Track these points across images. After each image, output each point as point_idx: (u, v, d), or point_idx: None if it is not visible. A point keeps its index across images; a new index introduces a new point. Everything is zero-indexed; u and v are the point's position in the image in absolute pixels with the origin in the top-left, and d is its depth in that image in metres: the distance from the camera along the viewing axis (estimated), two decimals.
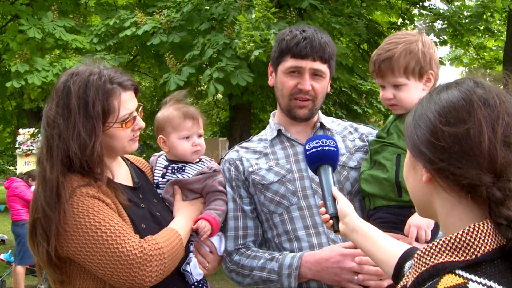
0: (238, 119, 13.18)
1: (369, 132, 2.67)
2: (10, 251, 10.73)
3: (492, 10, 10.88)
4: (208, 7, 8.91)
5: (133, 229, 2.19)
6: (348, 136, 2.64)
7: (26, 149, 18.39)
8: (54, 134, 2.16)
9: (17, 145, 17.57)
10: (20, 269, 9.25)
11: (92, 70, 2.25)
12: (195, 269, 2.41)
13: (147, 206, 2.37)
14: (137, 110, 2.34)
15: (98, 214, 2.09)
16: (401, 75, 2.30)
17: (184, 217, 2.41)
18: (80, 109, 2.16)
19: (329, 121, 2.70)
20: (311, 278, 2.32)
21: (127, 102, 2.26)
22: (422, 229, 2.14)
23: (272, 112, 2.78)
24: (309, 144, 2.11)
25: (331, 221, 1.94)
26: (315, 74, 2.47)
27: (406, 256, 1.60)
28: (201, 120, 2.57)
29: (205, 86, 9.22)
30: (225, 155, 2.71)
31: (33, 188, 9.67)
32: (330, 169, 2.07)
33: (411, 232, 2.15)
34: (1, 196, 23.93)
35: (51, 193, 2.10)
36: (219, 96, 18.63)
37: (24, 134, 17.36)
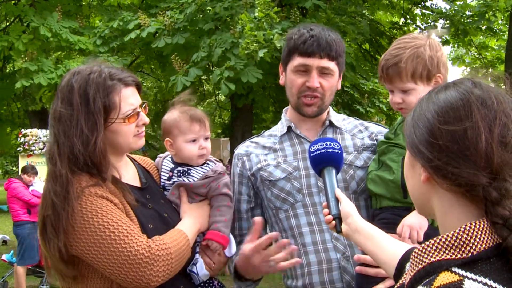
0: (240, 119, 13.20)
1: (380, 131, 2.68)
2: (12, 251, 10.74)
3: (494, 9, 10.87)
4: (211, 8, 8.87)
5: (141, 229, 2.20)
6: (357, 134, 2.66)
7: (28, 149, 18.42)
8: (60, 131, 2.20)
9: (26, 146, 17.64)
10: (20, 270, 9.27)
11: (93, 68, 2.27)
12: (202, 270, 2.42)
13: (154, 207, 2.38)
14: (141, 106, 2.35)
15: (106, 213, 2.10)
16: (409, 80, 2.31)
17: (191, 219, 2.42)
18: (81, 106, 2.18)
19: (339, 119, 2.71)
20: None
21: (129, 98, 2.28)
22: (414, 230, 2.15)
23: (285, 109, 2.80)
24: (313, 147, 2.12)
25: (333, 221, 1.96)
26: (323, 71, 2.49)
27: (407, 256, 1.60)
28: (208, 123, 2.57)
29: (207, 87, 9.14)
30: (236, 149, 2.76)
31: (34, 185, 9.69)
32: (334, 171, 2.08)
33: (404, 232, 2.16)
34: (3, 197, 23.97)
35: (61, 189, 2.11)
36: (222, 97, 18.65)
37: (26, 135, 17.38)
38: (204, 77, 10.20)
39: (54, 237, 2.10)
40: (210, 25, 8.83)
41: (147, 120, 2.37)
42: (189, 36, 8.93)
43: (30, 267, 9.63)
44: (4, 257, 10.73)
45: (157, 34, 8.89)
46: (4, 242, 14.88)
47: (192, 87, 9.39)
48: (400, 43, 2.38)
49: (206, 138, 2.56)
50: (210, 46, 8.30)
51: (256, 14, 7.33)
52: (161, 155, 2.71)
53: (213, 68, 8.99)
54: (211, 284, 2.49)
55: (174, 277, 2.23)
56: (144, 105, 2.38)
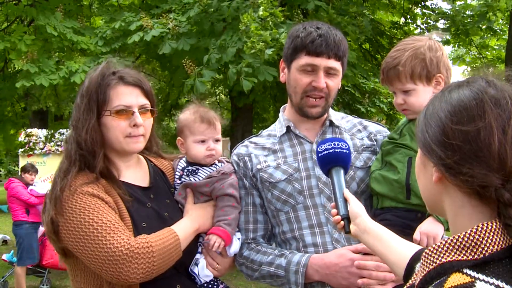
0: (240, 119, 13.16)
1: (378, 130, 2.67)
2: (12, 251, 10.73)
3: (495, 10, 10.86)
4: (213, 9, 8.76)
5: (133, 227, 2.28)
6: (356, 134, 2.65)
7: (34, 148, 18.52)
8: (70, 124, 2.39)
9: (31, 146, 17.73)
10: (19, 270, 9.27)
11: (104, 66, 2.42)
12: (203, 271, 2.43)
13: (154, 206, 2.43)
14: (141, 108, 2.40)
15: (93, 211, 2.20)
16: (408, 81, 2.35)
17: (189, 219, 2.45)
18: (84, 98, 2.35)
19: (338, 118, 2.70)
20: (318, 280, 2.35)
21: (124, 95, 2.36)
22: (431, 237, 2.15)
23: (282, 107, 2.78)
24: (321, 146, 2.12)
25: (342, 222, 1.96)
26: (329, 71, 2.47)
27: (417, 257, 1.60)
28: (219, 125, 2.59)
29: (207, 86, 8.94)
30: (234, 149, 2.74)
31: (36, 185, 9.67)
32: (342, 171, 2.09)
33: (422, 241, 2.16)
34: (3, 197, 23.91)
35: (67, 166, 2.32)
36: (222, 96, 18.63)
37: (31, 134, 17.42)
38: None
39: (49, 208, 2.26)
40: (218, 27, 8.71)
41: (139, 121, 2.38)
42: (195, 40, 8.77)
43: (30, 267, 9.63)
44: (4, 256, 10.73)
45: (162, 38, 8.68)
46: (5, 242, 14.89)
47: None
48: (400, 45, 2.43)
49: (217, 140, 2.58)
50: (220, 47, 8.16)
51: (261, 13, 7.25)
52: (180, 155, 2.74)
53: (224, 69, 8.87)
54: (215, 286, 2.49)
55: (172, 275, 2.30)
56: (151, 110, 2.45)
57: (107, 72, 2.38)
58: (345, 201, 1.98)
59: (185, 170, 2.60)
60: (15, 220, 9.36)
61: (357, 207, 1.92)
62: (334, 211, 2.00)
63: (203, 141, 2.54)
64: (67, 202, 2.22)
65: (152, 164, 2.63)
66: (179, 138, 2.61)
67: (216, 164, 2.60)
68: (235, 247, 2.52)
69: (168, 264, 2.25)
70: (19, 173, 10.54)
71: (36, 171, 10.00)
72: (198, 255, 2.49)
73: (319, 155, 2.12)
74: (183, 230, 2.35)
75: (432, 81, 2.35)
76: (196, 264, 2.45)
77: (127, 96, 2.36)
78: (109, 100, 2.33)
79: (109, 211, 2.23)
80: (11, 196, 9.40)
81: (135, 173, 2.48)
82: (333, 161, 2.09)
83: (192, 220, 2.44)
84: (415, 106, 2.36)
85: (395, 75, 2.36)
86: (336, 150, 2.08)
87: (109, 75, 2.37)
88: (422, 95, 2.34)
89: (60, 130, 14.88)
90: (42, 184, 10.20)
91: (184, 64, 8.15)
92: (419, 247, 1.69)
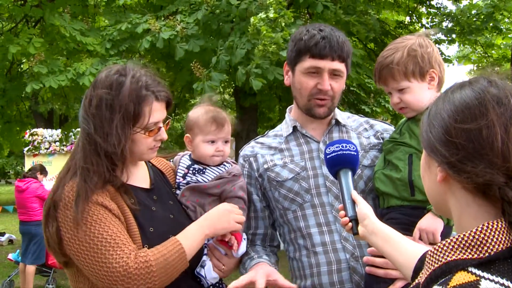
0: (245, 118, 13.16)
1: (385, 129, 2.68)
2: (18, 251, 10.78)
3: (502, 10, 10.84)
4: (219, 10, 8.73)
5: (140, 233, 2.22)
6: (363, 133, 2.66)
7: (38, 148, 18.57)
8: (89, 127, 2.23)
9: (35, 144, 17.73)
10: (31, 268, 9.31)
11: (132, 72, 2.30)
12: (210, 273, 2.41)
13: (159, 209, 2.38)
14: (164, 121, 2.38)
15: (95, 223, 2.14)
16: (402, 79, 2.37)
17: (197, 224, 2.36)
18: (113, 109, 2.21)
19: (345, 117, 2.71)
20: None
21: (157, 112, 2.30)
22: (430, 233, 2.17)
23: (289, 107, 2.78)
24: (329, 148, 2.12)
25: (350, 223, 1.96)
26: (334, 73, 2.47)
27: (425, 258, 1.60)
28: (229, 126, 2.57)
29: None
30: (241, 150, 2.75)
31: (45, 183, 9.72)
32: (350, 172, 2.09)
33: (423, 238, 2.18)
34: (9, 197, 24.01)
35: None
36: (226, 96, 18.63)
37: (35, 133, 17.46)
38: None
39: (53, 220, 2.18)
40: (226, 28, 8.68)
41: (165, 136, 2.37)
42: (204, 42, 8.73)
43: (36, 267, 9.66)
44: (10, 256, 10.78)
45: (170, 41, 8.61)
46: (10, 241, 14.98)
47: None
48: (391, 45, 2.46)
49: (226, 141, 2.56)
50: (229, 48, 8.12)
51: (271, 15, 7.22)
52: (180, 153, 2.72)
53: (230, 69, 8.87)
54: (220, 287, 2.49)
55: (179, 277, 2.23)
56: (167, 121, 2.42)
57: (140, 85, 2.27)
58: (353, 202, 1.98)
59: (191, 169, 2.57)
60: (35, 220, 9.29)
61: (365, 209, 1.92)
62: (342, 212, 2.01)
63: (213, 142, 2.52)
64: (70, 210, 2.15)
65: (150, 164, 2.59)
66: (187, 135, 2.59)
67: (224, 165, 2.58)
68: (242, 248, 2.52)
69: (172, 277, 2.19)
70: (25, 171, 10.57)
71: (46, 174, 10.05)
72: (204, 257, 2.46)
73: (327, 157, 2.12)
74: (190, 238, 2.27)
75: (426, 77, 2.38)
76: (203, 266, 2.42)
77: (158, 113, 2.31)
78: (143, 116, 2.24)
79: (112, 221, 2.16)
80: (34, 196, 9.36)
81: (137, 175, 2.44)
82: (341, 162, 2.09)
83: (199, 225, 2.35)
84: (412, 103, 2.39)
85: (389, 74, 2.39)
86: (344, 152, 2.09)
87: (141, 87, 2.26)
88: (418, 91, 2.37)
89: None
90: (49, 183, 10.22)
91: (192, 68, 8.11)
92: (427, 248, 1.69)
